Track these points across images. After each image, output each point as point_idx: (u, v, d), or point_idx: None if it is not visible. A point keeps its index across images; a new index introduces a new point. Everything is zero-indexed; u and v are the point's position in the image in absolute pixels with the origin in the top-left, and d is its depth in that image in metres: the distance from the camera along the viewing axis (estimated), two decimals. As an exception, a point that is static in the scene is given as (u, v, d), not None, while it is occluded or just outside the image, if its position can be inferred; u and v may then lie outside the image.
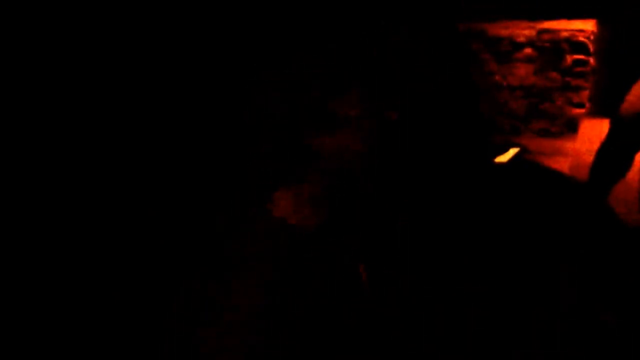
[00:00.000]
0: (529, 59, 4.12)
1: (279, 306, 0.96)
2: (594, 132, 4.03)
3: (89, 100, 2.12)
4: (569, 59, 4.07)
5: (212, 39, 2.28)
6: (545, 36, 4.07)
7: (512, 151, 3.72)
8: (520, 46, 4.13)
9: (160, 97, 2.20)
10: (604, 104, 4.11)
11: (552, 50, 4.06)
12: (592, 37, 3.98)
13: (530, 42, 4.10)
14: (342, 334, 1.07)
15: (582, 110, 4.13)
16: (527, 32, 4.11)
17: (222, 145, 2.02)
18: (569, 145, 4.02)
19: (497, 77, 4.18)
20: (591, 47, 4.00)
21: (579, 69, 4.05)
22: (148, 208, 2.35)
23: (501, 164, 3.74)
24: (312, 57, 0.95)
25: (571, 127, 4.12)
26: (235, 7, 2.27)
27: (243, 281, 0.99)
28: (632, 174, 3.31)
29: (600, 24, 4.05)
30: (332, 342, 1.04)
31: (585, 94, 4.08)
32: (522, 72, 4.14)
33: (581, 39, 4.00)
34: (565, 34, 4.04)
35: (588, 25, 4.00)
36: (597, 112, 4.16)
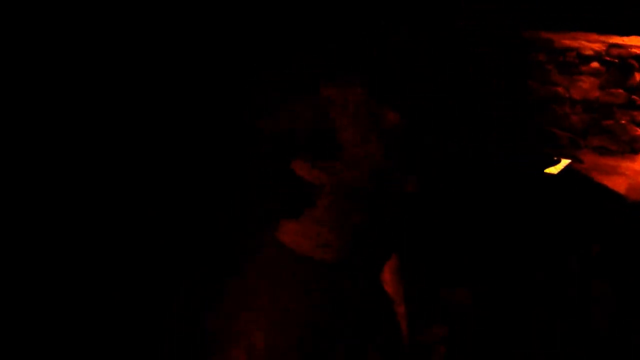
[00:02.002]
0: (594, 73, 3.99)
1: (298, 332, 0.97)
2: (657, 154, 3.87)
3: (92, 103, 2.18)
4: (638, 76, 3.92)
5: (213, 40, 2.32)
6: (614, 51, 3.94)
7: (564, 163, 3.61)
8: (587, 59, 4.00)
9: (162, 100, 2.25)
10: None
11: (620, 66, 3.92)
12: (663, 56, 3.83)
13: (597, 56, 3.98)
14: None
15: (646, 131, 3.96)
16: (595, 45, 3.98)
17: (225, 150, 2.05)
18: (627, 165, 3.87)
19: (559, 89, 4.07)
20: (661, 66, 3.85)
21: (646, 87, 3.90)
22: (149, 207, 2.39)
23: (551, 175, 3.65)
24: (312, 57, 0.97)
25: (633, 147, 3.95)
26: (235, 8, 2.31)
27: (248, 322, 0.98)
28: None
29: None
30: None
31: (651, 114, 3.92)
32: (587, 86, 4.01)
33: (652, 57, 3.86)
34: (636, 50, 3.89)
35: (661, 44, 3.85)
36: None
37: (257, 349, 0.91)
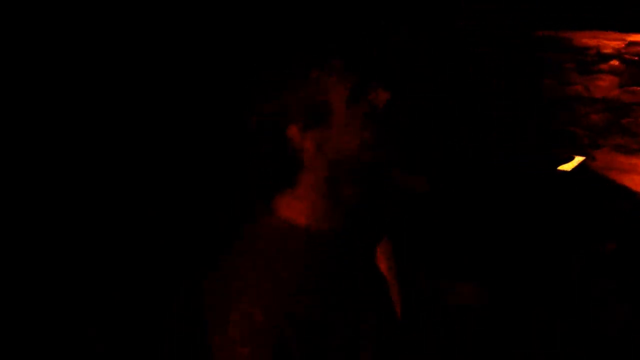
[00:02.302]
0: (614, 72, 3.96)
1: (290, 306, 1.02)
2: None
3: (88, 101, 2.25)
4: (659, 74, 3.86)
5: (212, 39, 2.40)
6: (634, 49, 3.90)
7: (578, 160, 3.60)
8: (606, 57, 3.98)
9: (160, 95, 2.32)
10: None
11: (640, 64, 3.88)
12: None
13: (617, 54, 3.94)
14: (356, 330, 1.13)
15: (667, 129, 3.90)
16: (615, 43, 3.95)
17: (222, 143, 2.09)
18: (647, 163, 3.82)
19: (578, 88, 4.05)
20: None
21: (667, 85, 3.84)
22: (148, 206, 2.45)
23: (564, 172, 3.64)
24: (312, 57, 1.02)
25: (653, 146, 3.89)
26: (235, 7, 2.41)
27: (249, 282, 1.04)
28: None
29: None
30: (346, 341, 1.10)
31: (672, 112, 3.85)
32: (606, 85, 3.98)
33: (672, 54, 3.80)
34: (656, 48, 3.84)
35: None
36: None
37: (255, 321, 0.96)
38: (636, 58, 3.88)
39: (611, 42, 3.97)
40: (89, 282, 2.32)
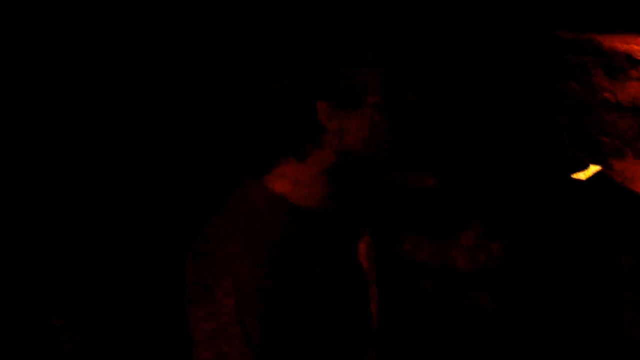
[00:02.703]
0: (644, 78, 3.75)
1: (270, 291, 1.05)
2: None
3: (69, 92, 2.29)
4: (692, 81, 3.63)
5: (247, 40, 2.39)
6: (666, 54, 3.68)
7: (593, 169, 3.44)
8: (637, 63, 3.77)
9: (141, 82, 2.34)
10: None
11: (672, 70, 3.66)
12: None
13: (648, 60, 3.73)
14: (336, 320, 1.15)
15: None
16: (646, 48, 3.74)
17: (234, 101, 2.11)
18: (674, 175, 3.60)
19: (605, 94, 3.86)
20: None
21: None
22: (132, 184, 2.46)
23: (578, 181, 3.49)
24: (352, 46, 1.05)
25: (683, 157, 3.66)
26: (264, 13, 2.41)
27: (230, 261, 1.07)
28: None
29: None
30: (329, 330, 1.12)
31: None
32: (636, 92, 3.77)
33: None
34: (690, 53, 3.61)
35: None
36: None
37: (244, 292, 0.99)
38: (668, 64, 3.67)
39: (642, 46, 3.76)
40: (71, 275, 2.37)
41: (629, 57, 3.79)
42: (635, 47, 3.77)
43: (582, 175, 3.47)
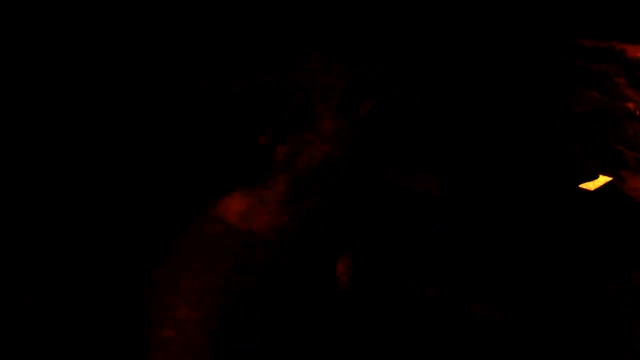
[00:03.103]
0: (671, 88, 3.57)
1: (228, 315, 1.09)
2: None
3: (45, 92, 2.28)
4: None
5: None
6: (696, 64, 3.49)
7: (603, 179, 3.31)
8: (664, 73, 3.60)
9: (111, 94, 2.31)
10: None
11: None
12: None
13: (676, 70, 3.55)
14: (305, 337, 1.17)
15: None
16: (674, 57, 3.57)
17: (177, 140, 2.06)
18: (695, 191, 3.39)
19: (629, 105, 3.70)
20: None
21: None
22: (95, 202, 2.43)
23: (586, 191, 3.37)
24: (298, 55, 1.05)
25: None
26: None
27: (184, 286, 1.12)
28: None
29: None
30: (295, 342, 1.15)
31: None
32: (662, 103, 3.60)
33: None
34: None
35: None
36: None
37: (185, 325, 1.03)
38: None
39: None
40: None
41: (655, 67, 3.61)
42: (663, 56, 3.60)
43: (591, 186, 3.32)
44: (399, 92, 3.30)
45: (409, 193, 3.50)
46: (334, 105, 0.84)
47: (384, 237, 3.11)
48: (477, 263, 3.30)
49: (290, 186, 0.99)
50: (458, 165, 3.57)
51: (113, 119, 2.42)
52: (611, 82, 3.64)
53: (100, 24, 2.27)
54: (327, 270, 1.16)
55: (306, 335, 1.08)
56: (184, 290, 1.03)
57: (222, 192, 1.03)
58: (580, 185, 3.30)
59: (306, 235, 1.12)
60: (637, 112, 3.63)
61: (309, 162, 0.96)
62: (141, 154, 2.35)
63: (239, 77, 0.81)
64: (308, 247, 1.13)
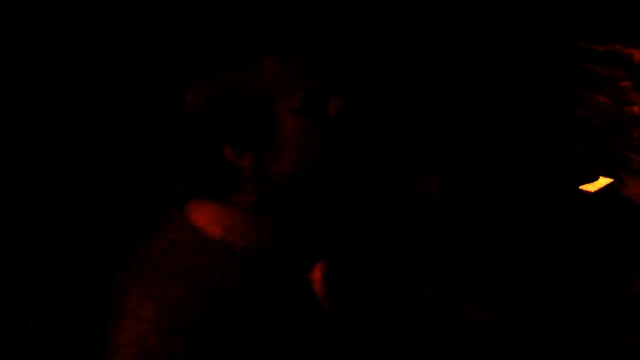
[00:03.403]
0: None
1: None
2: None
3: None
4: None
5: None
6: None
7: (603, 181, 3.31)
8: (670, 77, 3.59)
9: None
10: None
11: None
12: None
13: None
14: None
15: None
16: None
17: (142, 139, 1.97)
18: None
19: (634, 108, 3.70)
20: None
21: None
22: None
23: (587, 193, 3.38)
24: (253, 57, 0.97)
25: None
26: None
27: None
28: None
29: None
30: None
31: None
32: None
33: None
34: None
35: None
36: None
37: (149, 342, 0.95)
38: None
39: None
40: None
41: (661, 71, 3.60)
42: (669, 60, 3.59)
43: (591, 188, 3.32)
44: (398, 91, 3.37)
45: (409, 193, 3.55)
46: (297, 106, 0.79)
47: (384, 237, 3.15)
48: (477, 263, 3.33)
49: (262, 191, 0.95)
50: (458, 166, 3.61)
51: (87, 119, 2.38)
52: (617, 86, 3.65)
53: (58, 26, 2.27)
54: (303, 277, 1.14)
55: (298, 338, 1.09)
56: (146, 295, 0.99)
57: (189, 199, 0.98)
58: (581, 187, 3.31)
59: (281, 243, 1.08)
60: (644, 116, 3.63)
61: (280, 166, 0.91)
62: (111, 159, 2.35)
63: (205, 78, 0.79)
64: (283, 255, 1.10)
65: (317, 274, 1.05)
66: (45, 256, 2.43)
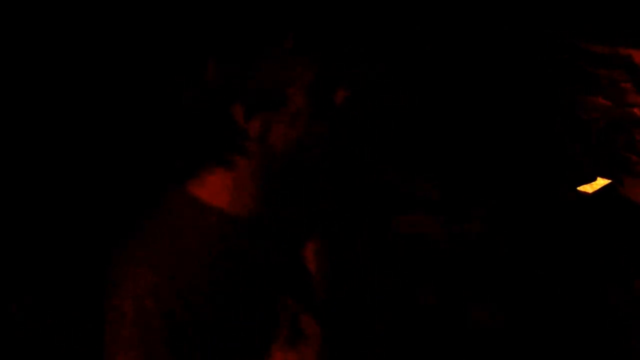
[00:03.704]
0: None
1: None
2: None
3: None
4: None
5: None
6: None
7: (601, 182, 3.31)
8: (671, 78, 3.58)
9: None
10: None
11: None
12: None
13: (684, 75, 3.54)
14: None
15: None
16: (682, 63, 3.55)
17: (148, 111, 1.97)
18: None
19: (636, 110, 3.70)
20: None
21: None
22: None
23: (584, 194, 3.38)
24: (270, 36, 0.98)
25: None
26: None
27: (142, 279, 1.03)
28: None
29: None
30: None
31: None
32: (669, 109, 3.58)
33: None
34: None
35: None
36: None
37: (146, 308, 0.96)
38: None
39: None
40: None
41: (663, 72, 3.60)
42: (670, 61, 3.59)
43: (589, 189, 3.32)
44: (399, 91, 3.38)
45: (409, 193, 3.56)
46: (307, 84, 0.80)
47: (384, 237, 3.18)
48: (477, 263, 3.33)
49: (266, 164, 0.96)
50: (458, 165, 3.62)
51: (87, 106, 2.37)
52: (617, 87, 3.65)
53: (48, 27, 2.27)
54: (297, 253, 1.14)
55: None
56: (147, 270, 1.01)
57: (194, 170, 0.97)
58: (579, 188, 3.31)
59: (281, 217, 1.10)
60: (644, 118, 3.62)
61: (285, 140, 0.92)
62: (110, 128, 2.34)
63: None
64: (282, 230, 1.12)
65: (308, 252, 1.05)
66: (45, 256, 2.42)
